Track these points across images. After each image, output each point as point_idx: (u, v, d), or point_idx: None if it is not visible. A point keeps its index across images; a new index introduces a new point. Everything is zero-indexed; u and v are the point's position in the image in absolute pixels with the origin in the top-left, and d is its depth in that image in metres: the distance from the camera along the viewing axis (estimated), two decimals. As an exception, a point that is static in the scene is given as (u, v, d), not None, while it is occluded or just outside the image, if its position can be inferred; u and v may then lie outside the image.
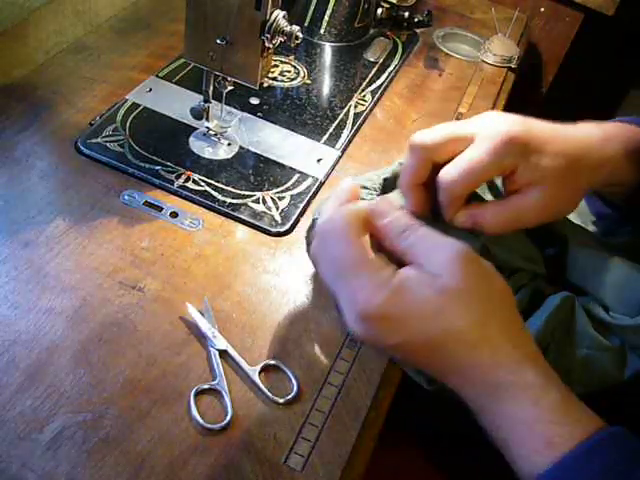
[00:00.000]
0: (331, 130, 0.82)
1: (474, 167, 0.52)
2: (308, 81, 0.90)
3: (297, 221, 0.70)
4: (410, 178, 0.55)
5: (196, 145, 0.76)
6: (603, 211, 0.68)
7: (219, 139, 0.76)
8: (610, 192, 0.64)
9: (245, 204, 0.70)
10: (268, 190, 0.72)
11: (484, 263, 0.47)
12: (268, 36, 0.64)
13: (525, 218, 0.55)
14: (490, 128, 0.54)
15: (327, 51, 0.98)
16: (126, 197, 0.68)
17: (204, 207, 0.69)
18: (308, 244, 0.65)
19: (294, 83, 0.89)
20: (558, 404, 0.45)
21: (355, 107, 0.87)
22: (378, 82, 0.93)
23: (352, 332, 0.47)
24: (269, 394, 0.54)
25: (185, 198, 0.70)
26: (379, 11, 1.02)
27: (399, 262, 0.48)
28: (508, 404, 0.45)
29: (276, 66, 0.91)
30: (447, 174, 0.53)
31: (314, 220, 0.67)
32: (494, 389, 0.45)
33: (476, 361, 0.45)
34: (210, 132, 0.76)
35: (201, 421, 0.51)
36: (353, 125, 0.84)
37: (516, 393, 0.45)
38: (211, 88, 0.72)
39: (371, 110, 0.88)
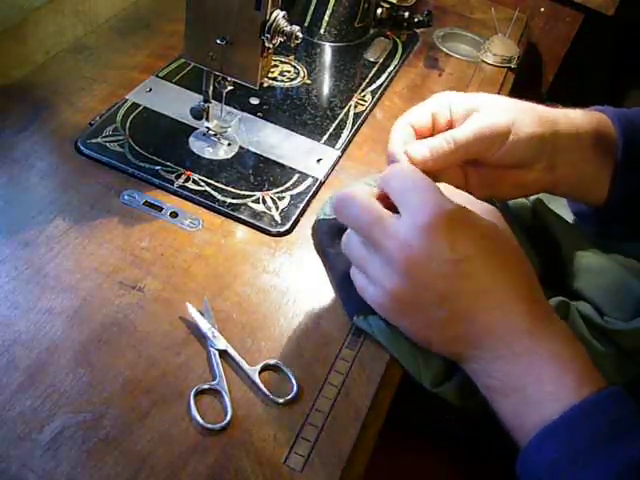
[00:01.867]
0: (331, 130, 0.82)
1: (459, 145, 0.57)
2: (308, 81, 0.90)
3: (297, 221, 0.70)
4: (404, 117, 0.60)
5: (196, 145, 0.76)
6: (583, 210, 0.69)
7: (219, 139, 0.76)
8: (579, 194, 0.65)
9: (245, 204, 0.70)
10: (268, 190, 0.72)
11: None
12: (268, 36, 0.64)
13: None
14: (484, 109, 0.59)
15: (327, 51, 0.98)
16: (126, 197, 0.68)
17: (204, 207, 0.69)
18: (315, 242, 0.66)
19: (294, 83, 0.89)
20: (583, 352, 0.49)
21: (355, 107, 0.87)
22: (378, 82, 0.93)
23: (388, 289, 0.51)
24: (269, 394, 0.54)
25: (185, 198, 0.70)
26: (379, 11, 1.02)
27: None
28: (543, 342, 0.48)
29: (276, 66, 0.91)
30: (418, 150, 0.58)
31: (318, 220, 0.68)
32: (523, 329, 0.48)
33: (506, 310, 0.49)
34: (210, 132, 0.76)
35: (201, 421, 0.51)
36: (353, 125, 0.84)
37: (552, 334, 0.48)
38: (211, 88, 0.72)
39: (371, 110, 0.88)
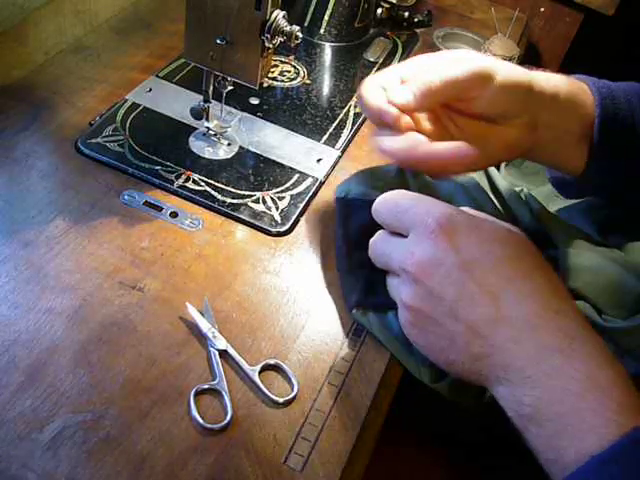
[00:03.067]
0: (331, 130, 0.82)
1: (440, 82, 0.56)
2: (308, 81, 0.90)
3: (297, 221, 0.70)
4: (373, 79, 0.59)
5: (196, 145, 0.76)
6: (560, 176, 0.68)
7: (219, 139, 0.76)
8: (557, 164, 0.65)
9: (245, 204, 0.70)
10: (268, 190, 0.72)
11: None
12: (268, 36, 0.64)
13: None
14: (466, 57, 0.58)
15: (327, 51, 0.98)
16: (126, 197, 0.68)
17: (204, 207, 0.69)
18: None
19: (294, 83, 0.89)
20: (623, 373, 0.43)
21: (355, 107, 0.87)
22: (378, 82, 0.93)
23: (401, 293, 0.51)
24: (269, 394, 0.54)
25: (185, 198, 0.70)
26: (379, 11, 1.02)
27: None
28: (576, 362, 0.42)
29: (276, 66, 0.91)
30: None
31: (339, 198, 0.68)
32: (553, 347, 0.43)
33: (520, 318, 0.46)
34: (210, 132, 0.76)
35: (201, 421, 0.51)
36: (353, 125, 0.84)
37: (587, 354, 0.43)
38: (211, 88, 0.72)
39: (371, 110, 0.87)
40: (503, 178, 0.72)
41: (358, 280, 0.60)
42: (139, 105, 0.79)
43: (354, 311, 0.60)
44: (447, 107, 0.59)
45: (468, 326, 0.47)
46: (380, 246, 0.55)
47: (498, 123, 0.59)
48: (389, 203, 0.54)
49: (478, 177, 0.70)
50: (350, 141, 0.82)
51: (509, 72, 0.57)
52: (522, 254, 0.49)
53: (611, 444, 0.39)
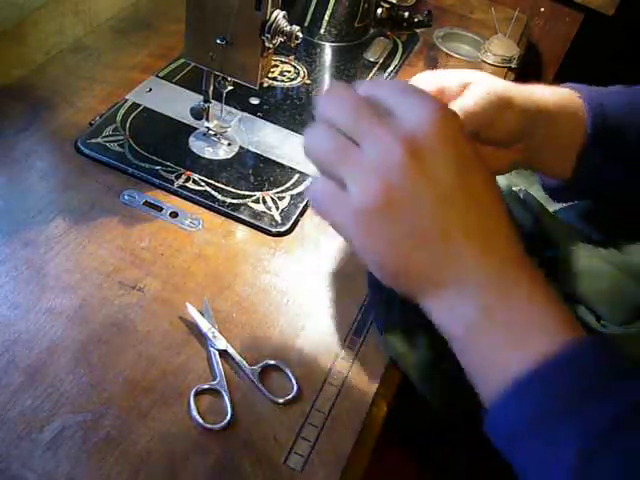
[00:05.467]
0: (331, 130, 0.82)
1: (464, 115, 0.53)
2: (308, 81, 0.90)
3: (297, 221, 0.70)
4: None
5: (196, 145, 0.76)
6: (550, 182, 0.67)
7: (219, 139, 0.76)
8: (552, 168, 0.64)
9: (245, 204, 0.70)
10: (268, 190, 0.72)
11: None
12: (268, 36, 0.64)
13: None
14: (479, 82, 0.56)
15: (327, 51, 0.98)
16: (126, 197, 0.68)
17: (204, 207, 0.69)
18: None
19: (294, 83, 0.89)
20: (554, 297, 0.42)
21: (355, 107, 0.87)
22: (378, 82, 0.93)
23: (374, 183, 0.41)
24: (269, 394, 0.54)
25: (185, 198, 0.70)
26: (379, 11, 1.02)
27: None
28: (515, 292, 0.41)
29: (276, 66, 0.91)
30: None
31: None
32: (489, 273, 0.41)
33: (471, 244, 0.41)
34: (210, 132, 0.76)
35: (201, 421, 0.51)
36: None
37: (519, 280, 0.41)
38: (211, 88, 0.72)
39: (371, 110, 0.87)
40: (501, 177, 0.72)
41: (382, 300, 0.59)
42: (139, 105, 0.79)
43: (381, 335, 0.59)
44: None
45: (440, 228, 0.42)
46: (322, 140, 0.43)
47: (500, 146, 0.59)
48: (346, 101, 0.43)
49: None
50: (350, 141, 0.82)
51: (523, 97, 0.57)
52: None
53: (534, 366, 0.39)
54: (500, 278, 0.42)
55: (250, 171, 0.74)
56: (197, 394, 0.53)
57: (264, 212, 0.69)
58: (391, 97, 0.43)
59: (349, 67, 0.95)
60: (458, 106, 0.55)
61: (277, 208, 0.70)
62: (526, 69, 1.12)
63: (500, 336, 0.41)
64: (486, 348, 0.42)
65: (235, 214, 0.69)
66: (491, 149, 0.59)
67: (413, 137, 0.41)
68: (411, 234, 0.42)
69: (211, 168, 0.73)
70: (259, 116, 0.82)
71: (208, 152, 0.75)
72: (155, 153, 0.73)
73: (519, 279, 0.42)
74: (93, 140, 0.73)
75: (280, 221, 0.69)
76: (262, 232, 0.68)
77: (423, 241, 0.42)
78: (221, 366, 0.55)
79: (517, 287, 0.42)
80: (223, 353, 0.56)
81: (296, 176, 0.74)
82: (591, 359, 0.39)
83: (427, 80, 0.58)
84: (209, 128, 0.76)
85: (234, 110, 0.80)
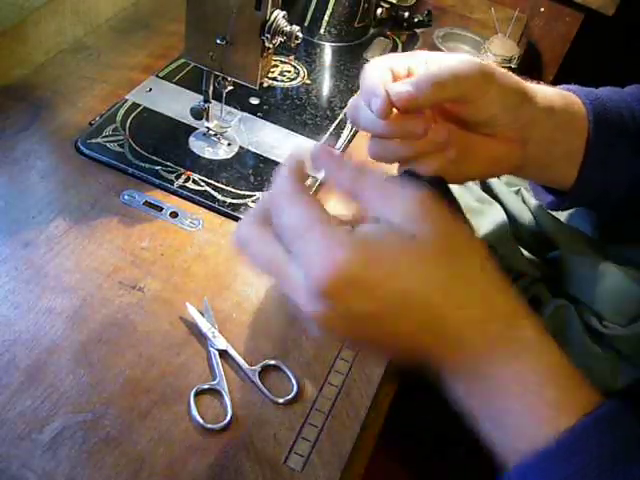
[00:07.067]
0: (331, 130, 0.82)
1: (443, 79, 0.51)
2: (308, 81, 0.90)
3: (297, 221, 0.70)
4: (383, 60, 0.56)
5: (196, 145, 0.76)
6: (545, 199, 0.65)
7: (219, 139, 0.76)
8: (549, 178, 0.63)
9: (245, 204, 0.70)
10: (268, 190, 0.72)
11: (447, 210, 0.41)
12: (268, 36, 0.64)
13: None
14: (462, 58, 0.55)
15: (327, 51, 0.98)
16: (126, 197, 0.68)
17: (204, 207, 0.69)
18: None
19: (294, 83, 0.89)
20: (563, 364, 0.40)
21: (355, 107, 0.87)
22: (378, 82, 0.93)
23: (313, 316, 0.39)
24: (269, 394, 0.54)
25: (185, 198, 0.70)
26: (379, 11, 1.02)
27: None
28: (508, 364, 0.39)
29: (276, 66, 0.91)
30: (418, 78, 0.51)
31: None
32: (491, 347, 0.39)
33: (467, 317, 0.39)
34: (210, 132, 0.76)
35: (201, 421, 0.51)
36: (353, 125, 0.84)
37: (517, 350, 0.39)
38: (211, 88, 0.72)
39: (371, 110, 0.87)
40: (501, 177, 0.72)
41: None
42: (139, 105, 0.79)
43: None
44: (438, 112, 0.58)
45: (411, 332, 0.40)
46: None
47: (487, 133, 0.56)
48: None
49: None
50: (350, 141, 0.82)
51: (506, 78, 0.56)
52: (471, 238, 0.42)
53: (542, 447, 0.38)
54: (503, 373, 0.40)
55: (250, 171, 0.74)
56: (197, 394, 0.53)
57: (264, 212, 0.69)
58: (291, 243, 0.41)
59: (349, 67, 0.95)
60: (438, 68, 0.53)
61: (277, 208, 0.70)
62: (526, 69, 1.12)
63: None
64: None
65: (235, 214, 0.69)
66: (474, 136, 0.56)
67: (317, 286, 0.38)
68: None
69: (211, 168, 0.73)
70: (259, 116, 0.82)
71: (208, 152, 0.75)
72: (155, 153, 0.73)
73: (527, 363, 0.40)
74: (93, 140, 0.73)
75: (280, 221, 0.69)
76: (262, 232, 0.68)
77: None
78: (221, 366, 0.55)
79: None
80: (223, 353, 0.56)
81: (296, 176, 0.74)
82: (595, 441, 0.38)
83: (416, 57, 0.58)
84: (209, 128, 0.76)
85: (234, 110, 0.80)
